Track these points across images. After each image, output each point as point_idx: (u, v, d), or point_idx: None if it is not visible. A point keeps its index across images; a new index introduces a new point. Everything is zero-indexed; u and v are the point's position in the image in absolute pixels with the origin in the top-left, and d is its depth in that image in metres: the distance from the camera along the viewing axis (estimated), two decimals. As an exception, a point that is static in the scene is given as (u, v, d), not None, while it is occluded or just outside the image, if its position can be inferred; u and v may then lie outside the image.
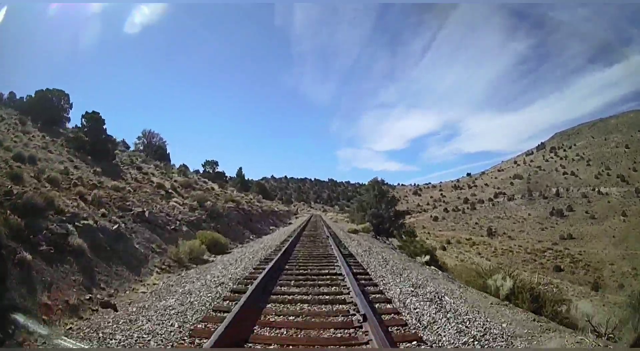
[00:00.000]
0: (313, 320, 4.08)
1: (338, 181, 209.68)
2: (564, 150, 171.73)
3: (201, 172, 41.17)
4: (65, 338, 3.06)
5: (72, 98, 26.15)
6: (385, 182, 30.80)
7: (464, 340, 3.55)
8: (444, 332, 3.75)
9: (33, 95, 26.22)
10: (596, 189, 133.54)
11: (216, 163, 40.32)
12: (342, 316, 4.17)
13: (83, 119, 21.44)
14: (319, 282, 5.94)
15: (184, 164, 32.62)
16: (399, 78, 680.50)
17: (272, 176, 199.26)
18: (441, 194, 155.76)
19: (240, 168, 47.38)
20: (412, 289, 5.56)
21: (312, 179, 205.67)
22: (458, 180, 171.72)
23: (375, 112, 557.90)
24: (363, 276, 6.48)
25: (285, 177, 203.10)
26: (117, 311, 4.70)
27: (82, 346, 3.23)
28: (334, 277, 6.34)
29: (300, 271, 6.97)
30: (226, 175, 41.84)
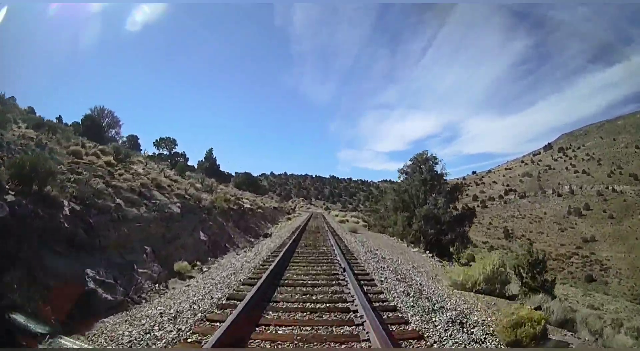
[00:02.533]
0: None
1: (340, 178, 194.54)
2: (573, 151, 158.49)
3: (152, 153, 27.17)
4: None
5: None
6: (436, 158, 16.42)
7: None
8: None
9: None
10: (610, 187, 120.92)
11: (174, 142, 26.38)
12: None
13: None
14: None
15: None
16: (399, 78, 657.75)
17: (272, 172, 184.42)
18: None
19: (211, 150, 32.79)
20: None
21: (313, 176, 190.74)
22: (464, 178, 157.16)
23: (375, 112, 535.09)
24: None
25: (285, 173, 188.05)
26: None
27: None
28: None
29: None
30: (185, 156, 27.48)
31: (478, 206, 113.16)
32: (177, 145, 27.01)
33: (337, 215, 48.68)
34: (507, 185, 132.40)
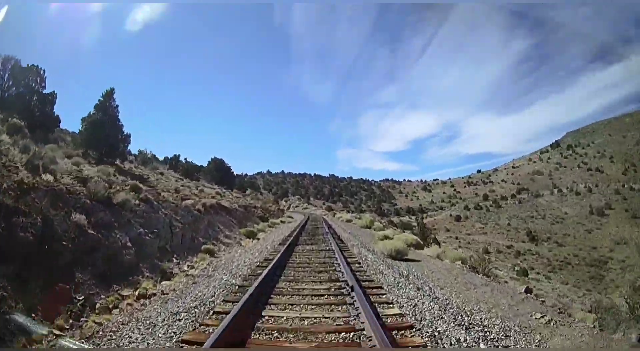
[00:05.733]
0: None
1: (340, 177, 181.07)
2: (582, 148, 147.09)
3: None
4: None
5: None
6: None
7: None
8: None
9: None
10: (626, 185, 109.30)
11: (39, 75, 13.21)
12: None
13: None
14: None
15: None
16: (399, 77, 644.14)
17: (268, 171, 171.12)
18: (454, 190, 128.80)
19: (112, 91, 18.40)
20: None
21: (312, 174, 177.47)
22: (470, 176, 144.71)
23: (374, 112, 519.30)
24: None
25: (282, 171, 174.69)
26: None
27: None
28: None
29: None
30: (55, 94, 14.14)
31: (491, 205, 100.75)
32: (45, 82, 13.89)
33: (349, 220, 29.39)
34: (518, 184, 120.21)
